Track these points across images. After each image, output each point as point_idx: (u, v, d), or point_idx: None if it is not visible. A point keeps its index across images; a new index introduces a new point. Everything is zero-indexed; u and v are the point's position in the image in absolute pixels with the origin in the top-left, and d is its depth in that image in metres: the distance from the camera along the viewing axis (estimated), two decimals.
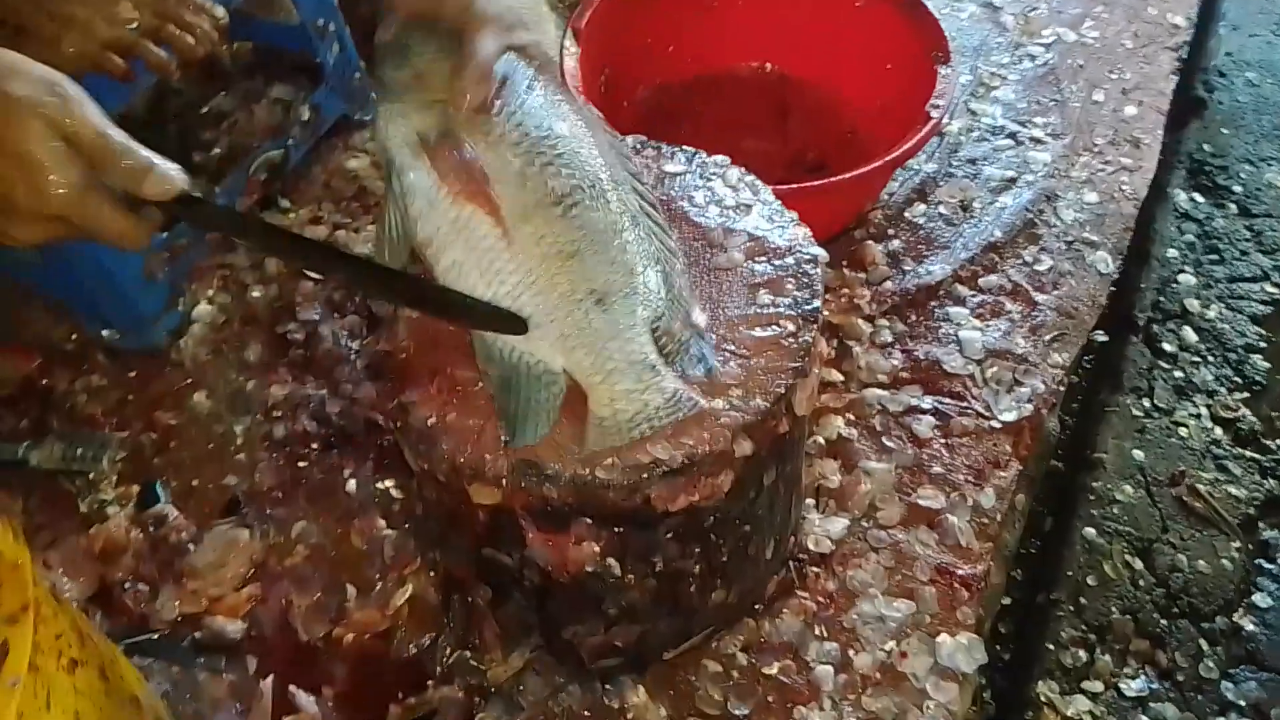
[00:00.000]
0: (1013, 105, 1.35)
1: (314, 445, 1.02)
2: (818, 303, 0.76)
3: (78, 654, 0.68)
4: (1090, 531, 1.10)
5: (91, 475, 1.00)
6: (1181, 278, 1.32)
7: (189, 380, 1.08)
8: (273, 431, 1.03)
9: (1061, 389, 1.08)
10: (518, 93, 0.73)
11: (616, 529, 0.71)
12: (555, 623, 0.81)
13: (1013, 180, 1.26)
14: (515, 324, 0.70)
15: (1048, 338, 1.10)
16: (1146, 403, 1.23)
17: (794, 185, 1.01)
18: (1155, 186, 1.31)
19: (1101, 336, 1.24)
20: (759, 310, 0.76)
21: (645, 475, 0.67)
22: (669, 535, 0.73)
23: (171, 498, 0.99)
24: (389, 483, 0.98)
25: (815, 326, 0.75)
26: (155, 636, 0.91)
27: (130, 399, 1.06)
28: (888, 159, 1.05)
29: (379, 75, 0.75)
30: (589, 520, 0.71)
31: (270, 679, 0.88)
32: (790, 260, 0.79)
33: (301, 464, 1.01)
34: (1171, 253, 1.34)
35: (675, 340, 0.72)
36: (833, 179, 1.06)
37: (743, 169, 0.87)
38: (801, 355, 0.73)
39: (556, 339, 0.70)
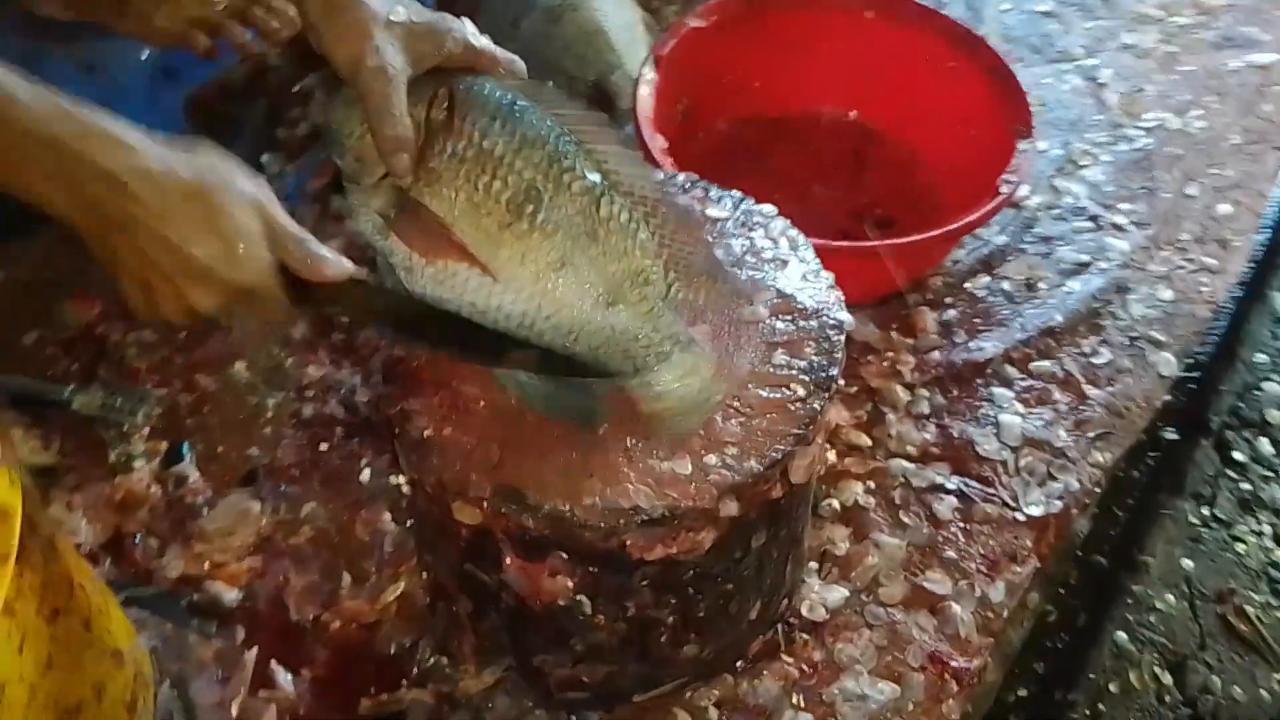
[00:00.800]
0: (1099, 187, 1.30)
1: (338, 430, 1.05)
2: (834, 371, 0.75)
3: (62, 604, 0.70)
4: (1122, 636, 1.05)
5: (125, 427, 1.04)
6: (1266, 385, 1.25)
7: (232, 350, 1.11)
8: (301, 410, 1.06)
9: (1097, 490, 1.04)
10: (447, 120, 0.71)
11: (591, 568, 0.71)
12: (526, 648, 0.81)
13: (1085, 265, 1.21)
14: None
15: (1092, 434, 1.06)
16: (1206, 511, 1.17)
17: (847, 243, 0.99)
18: (1253, 287, 1.26)
19: (1170, 434, 1.18)
20: (772, 369, 0.75)
21: (622, 521, 0.67)
22: (644, 582, 0.72)
23: (196, 460, 1.02)
24: (401, 479, 1.00)
25: (827, 395, 0.73)
26: (155, 593, 0.94)
27: (175, 359, 1.10)
28: (946, 230, 1.03)
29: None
30: (565, 555, 0.70)
31: (255, 651, 0.90)
32: (814, 323, 0.78)
33: (322, 446, 1.04)
34: (1260, 358, 1.28)
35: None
36: (886, 242, 1.03)
37: (788, 222, 0.86)
38: (806, 422, 0.72)
39: (589, 353, 0.70)
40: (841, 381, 1.07)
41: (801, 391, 0.73)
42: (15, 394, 1.05)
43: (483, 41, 0.76)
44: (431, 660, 0.90)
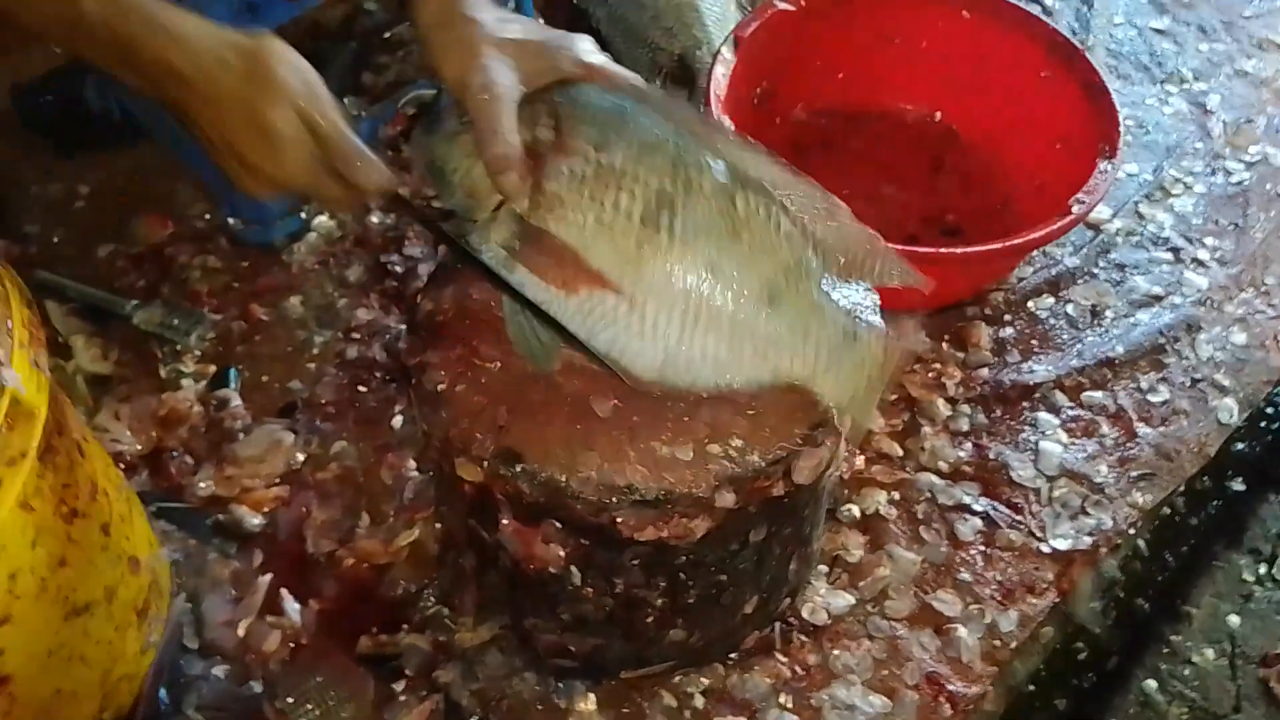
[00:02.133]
0: (1186, 218, 1.24)
1: (377, 374, 1.07)
2: None
3: (82, 506, 0.73)
4: (1151, 684, 1.00)
5: (179, 346, 1.08)
6: None
7: (290, 283, 1.14)
8: (346, 351, 1.08)
9: (1130, 531, 1.00)
10: (557, 139, 0.68)
11: (583, 540, 0.71)
12: (520, 609, 0.82)
13: (1158, 298, 1.16)
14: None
15: (1134, 474, 1.02)
16: (1262, 569, 1.12)
17: (900, 246, 0.97)
18: None
19: (1238, 486, 1.13)
20: None
21: (615, 498, 0.67)
22: (634, 561, 0.72)
23: (240, 386, 1.06)
24: None
25: None
26: (184, 508, 0.97)
27: (235, 286, 1.14)
28: (1007, 244, 0.99)
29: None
30: (558, 524, 0.71)
31: (269, 577, 0.93)
32: (846, 323, 0.76)
33: (361, 388, 1.06)
34: None
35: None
36: (943, 249, 1.01)
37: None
38: (817, 424, 0.71)
39: (757, 360, 0.68)
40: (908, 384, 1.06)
41: None
42: (84, 302, 1.10)
43: (599, 59, 0.73)
44: (434, 609, 0.92)
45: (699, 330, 0.66)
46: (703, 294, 0.66)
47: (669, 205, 0.65)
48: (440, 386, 0.73)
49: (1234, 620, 1.05)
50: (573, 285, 0.67)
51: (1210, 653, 1.04)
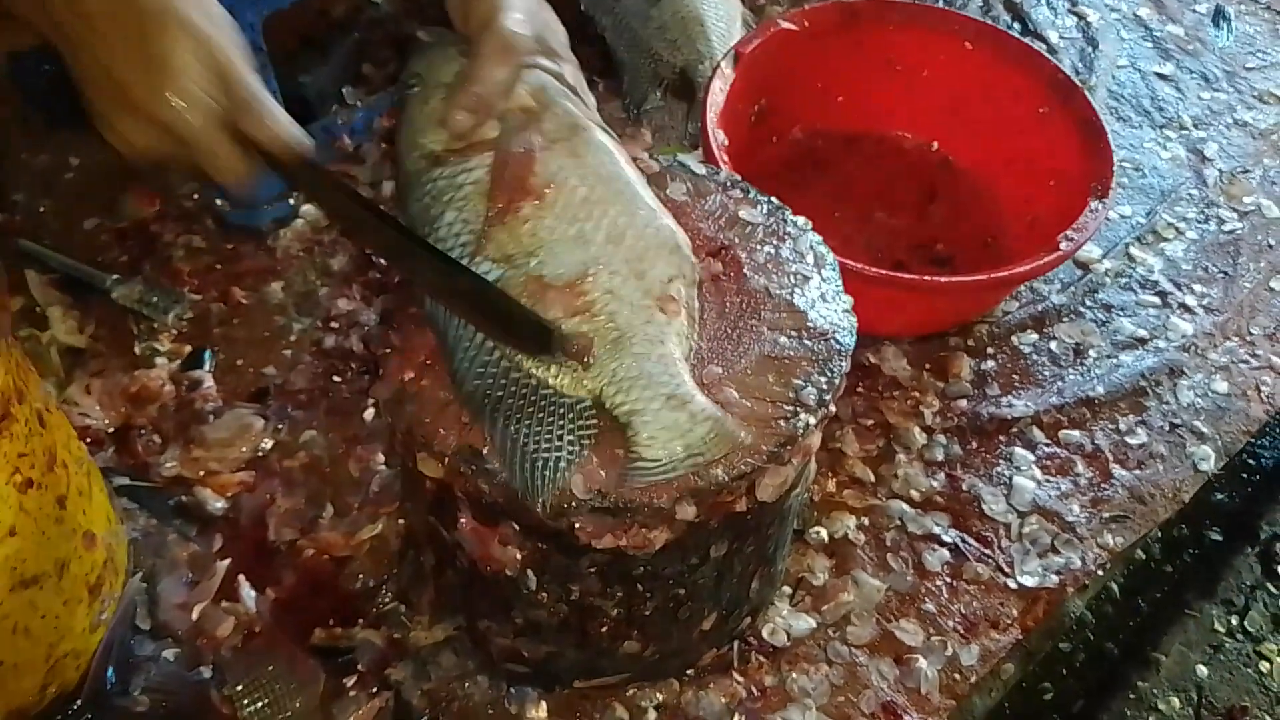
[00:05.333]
0: (1176, 264, 1.24)
1: (353, 365, 1.06)
2: (828, 396, 0.73)
3: (38, 477, 0.72)
4: None
5: (156, 324, 1.07)
6: None
7: (273, 268, 1.14)
8: (323, 340, 1.08)
9: (1099, 572, 0.99)
10: None
11: (541, 544, 0.70)
12: (474, 610, 0.81)
13: (1142, 341, 1.16)
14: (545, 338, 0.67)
15: (1106, 515, 1.01)
16: (1234, 620, 1.11)
17: (882, 271, 0.96)
18: None
19: (1215, 536, 1.12)
20: (763, 381, 0.73)
21: (573, 503, 0.66)
22: (591, 569, 0.71)
23: (214, 368, 1.05)
24: None
25: (814, 419, 0.71)
26: (147, 487, 0.96)
27: (217, 267, 1.13)
28: (992, 276, 0.99)
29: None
30: (516, 526, 0.70)
31: (227, 562, 0.92)
32: (819, 345, 0.75)
33: (335, 378, 1.05)
34: None
35: None
36: (926, 278, 1.00)
37: (819, 238, 0.83)
38: (784, 442, 0.70)
39: (604, 378, 0.68)
40: (852, 411, 1.06)
41: (787, 410, 0.71)
42: (64, 274, 1.10)
43: (583, 86, 0.78)
44: (391, 605, 0.91)
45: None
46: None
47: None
48: (406, 377, 0.72)
49: (1202, 670, 1.04)
50: (513, 205, 0.69)
51: (1176, 702, 1.03)
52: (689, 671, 0.87)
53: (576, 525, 0.67)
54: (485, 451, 0.67)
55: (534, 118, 0.73)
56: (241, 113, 0.64)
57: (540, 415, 0.67)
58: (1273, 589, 1.12)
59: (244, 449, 0.99)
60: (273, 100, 0.65)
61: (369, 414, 1.02)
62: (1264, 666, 1.07)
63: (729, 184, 0.86)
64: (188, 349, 1.06)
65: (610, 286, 0.69)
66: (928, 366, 1.11)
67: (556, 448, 0.66)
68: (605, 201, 0.71)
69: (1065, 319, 1.17)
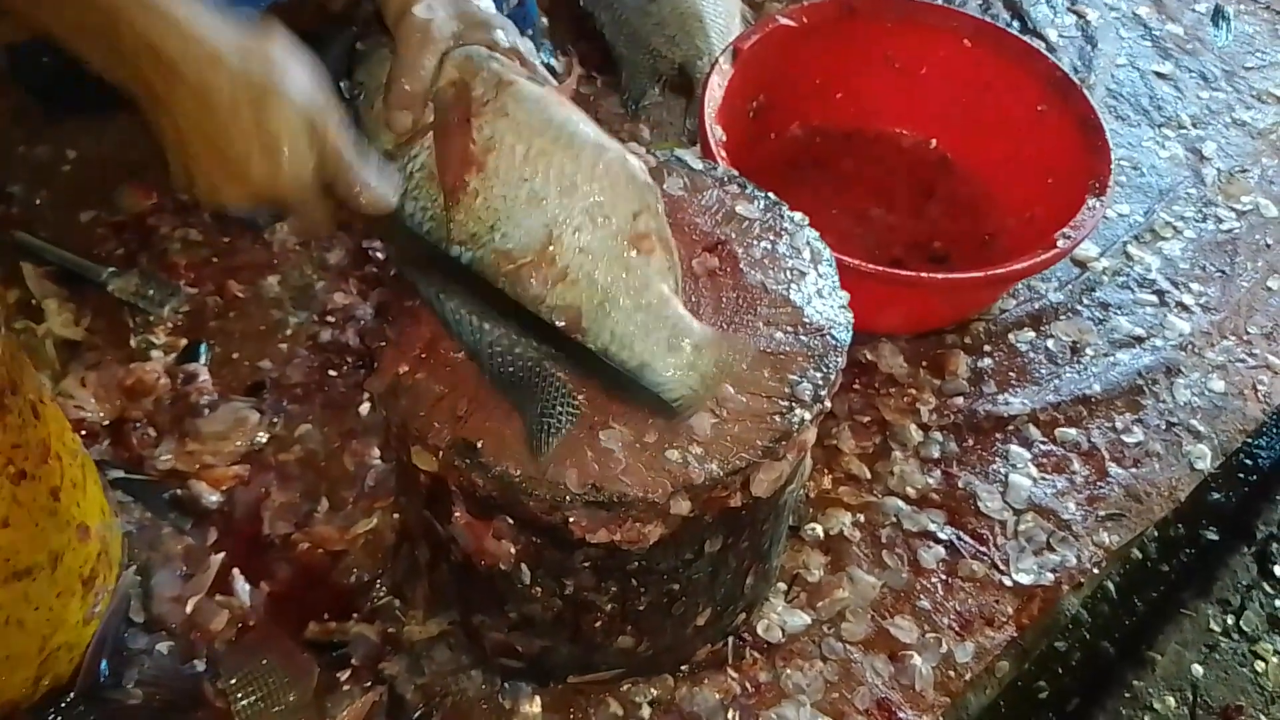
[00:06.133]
0: (1174, 263, 1.24)
1: (349, 359, 1.06)
2: (824, 392, 0.73)
3: (31, 468, 0.72)
4: None
5: (152, 317, 1.07)
6: None
7: (270, 262, 1.13)
8: (319, 334, 1.07)
9: (1094, 571, 0.99)
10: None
11: (535, 539, 0.70)
12: (469, 605, 0.81)
13: (1139, 339, 1.16)
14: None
15: (1102, 513, 1.01)
16: (1229, 620, 1.11)
17: (878, 268, 0.96)
18: None
19: (1212, 535, 1.12)
20: (759, 377, 0.73)
21: (568, 497, 0.66)
22: (585, 563, 0.71)
23: (210, 362, 1.05)
24: None
25: (809, 415, 0.71)
26: (142, 480, 0.96)
27: (214, 261, 1.13)
28: (988, 274, 0.99)
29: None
30: (510, 520, 0.70)
31: (222, 556, 0.92)
32: (815, 340, 0.75)
33: (331, 372, 1.05)
34: None
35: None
36: (921, 274, 1.00)
37: (816, 234, 0.83)
38: (779, 437, 0.70)
39: (603, 339, 0.69)
40: (849, 408, 1.06)
41: (783, 405, 0.71)
42: (61, 266, 1.09)
43: (528, 46, 0.75)
44: (385, 599, 0.91)
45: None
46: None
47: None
48: (402, 370, 0.72)
49: (1197, 669, 1.04)
50: (460, 181, 0.68)
51: (1171, 700, 1.03)
52: (683, 667, 0.87)
53: (570, 519, 0.67)
54: (480, 445, 0.68)
55: (463, 89, 0.70)
56: (337, 179, 0.66)
57: (542, 386, 0.69)
58: (1268, 589, 1.12)
59: (239, 443, 0.99)
60: (360, 160, 0.67)
61: (364, 408, 1.02)
62: (1259, 666, 1.07)
63: (726, 179, 0.86)
64: (183, 342, 1.06)
65: (579, 244, 0.68)
66: (924, 364, 1.11)
67: (556, 414, 0.68)
68: (546, 153, 0.69)
69: (1062, 317, 1.17)
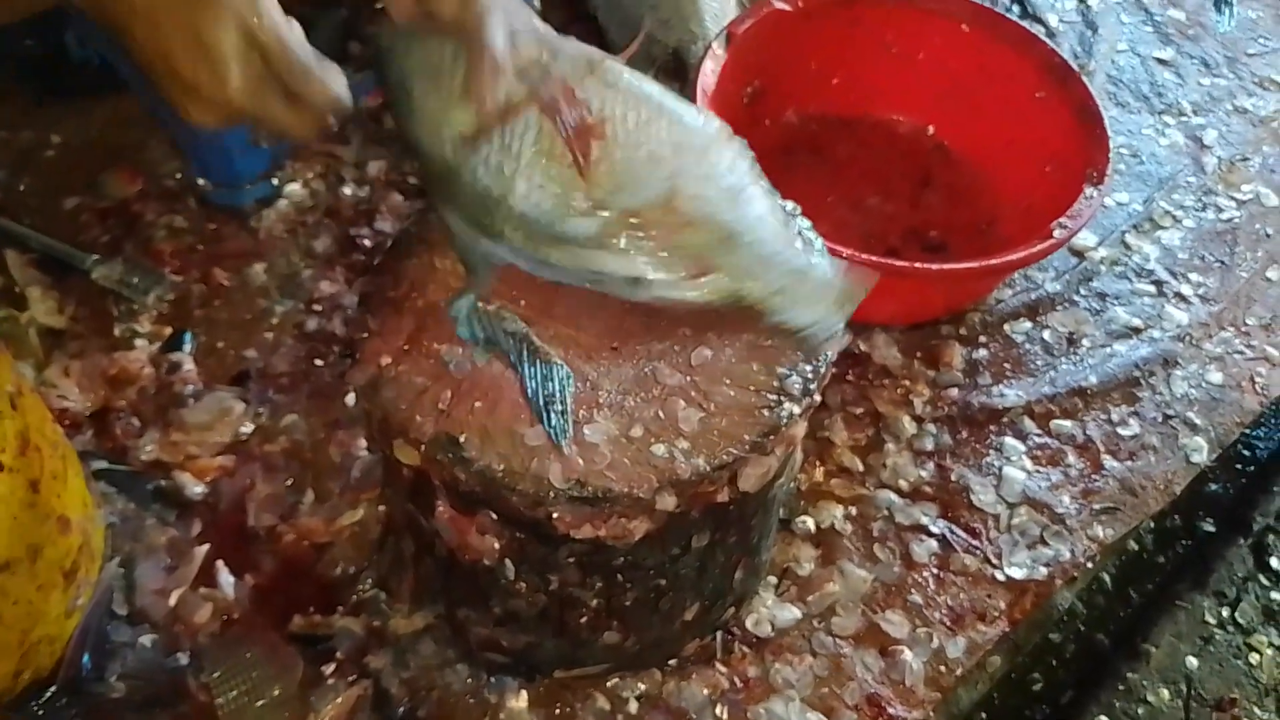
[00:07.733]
0: (1173, 252, 1.23)
1: (335, 349, 1.05)
2: (812, 385, 0.71)
3: (10, 461, 0.71)
4: None
5: (136, 305, 1.05)
6: None
7: (256, 250, 1.12)
8: (306, 323, 1.06)
9: (1088, 565, 0.98)
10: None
11: (519, 534, 0.69)
12: (453, 599, 0.80)
13: (1136, 330, 1.14)
14: None
15: (1097, 507, 1.00)
16: (1225, 612, 1.10)
17: (872, 258, 0.95)
18: None
19: (1208, 527, 1.11)
20: (748, 370, 0.71)
21: (551, 493, 0.65)
22: (570, 559, 0.70)
23: (195, 351, 1.03)
24: None
25: (798, 408, 0.70)
26: (125, 471, 0.95)
27: (199, 248, 1.11)
28: (983, 264, 0.97)
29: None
30: (494, 515, 0.69)
31: (206, 547, 0.91)
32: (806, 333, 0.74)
33: (317, 361, 1.04)
34: None
35: None
36: (916, 265, 0.99)
37: (808, 224, 0.82)
38: (767, 432, 0.68)
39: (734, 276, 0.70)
40: (842, 399, 1.05)
41: (772, 399, 0.70)
42: (44, 253, 1.08)
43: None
44: (370, 592, 0.90)
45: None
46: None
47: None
48: (384, 361, 0.70)
49: (1192, 662, 1.04)
50: (588, 149, 0.69)
51: (1166, 693, 1.02)
52: (671, 662, 0.86)
53: (554, 515, 0.66)
54: (463, 439, 0.66)
55: (547, 67, 0.70)
56: (291, 81, 0.64)
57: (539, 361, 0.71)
58: (1264, 581, 1.11)
59: (224, 433, 0.98)
60: (313, 60, 0.65)
61: (351, 398, 1.01)
62: (1254, 658, 1.06)
63: None
64: (168, 331, 1.04)
65: (695, 192, 0.70)
66: (919, 355, 1.10)
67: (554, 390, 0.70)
68: (654, 119, 0.71)
69: (1059, 307, 1.16)
